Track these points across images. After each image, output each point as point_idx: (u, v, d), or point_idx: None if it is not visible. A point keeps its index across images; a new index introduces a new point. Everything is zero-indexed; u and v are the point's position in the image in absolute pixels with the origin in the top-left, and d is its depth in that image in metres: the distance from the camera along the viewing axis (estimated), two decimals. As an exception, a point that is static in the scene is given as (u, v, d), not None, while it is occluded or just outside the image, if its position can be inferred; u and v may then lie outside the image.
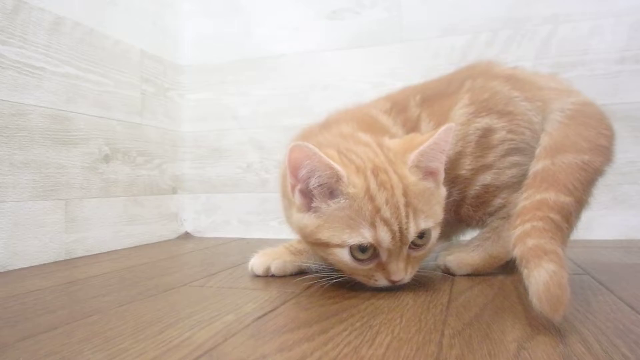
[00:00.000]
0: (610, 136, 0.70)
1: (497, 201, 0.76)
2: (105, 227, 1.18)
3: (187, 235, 1.49)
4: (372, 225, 0.61)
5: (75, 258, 1.08)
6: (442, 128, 0.64)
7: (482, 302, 0.61)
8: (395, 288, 0.67)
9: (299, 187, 0.66)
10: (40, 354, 0.46)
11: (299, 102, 1.41)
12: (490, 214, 0.77)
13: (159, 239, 1.38)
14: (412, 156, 0.65)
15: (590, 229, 1.13)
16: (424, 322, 0.53)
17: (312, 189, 0.64)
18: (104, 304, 0.65)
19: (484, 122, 0.76)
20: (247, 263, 0.83)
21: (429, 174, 0.67)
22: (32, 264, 0.98)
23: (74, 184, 1.10)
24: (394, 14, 1.33)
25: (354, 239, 0.62)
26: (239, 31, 1.48)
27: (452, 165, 0.76)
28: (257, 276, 0.80)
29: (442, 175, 0.68)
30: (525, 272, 0.53)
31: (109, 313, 0.60)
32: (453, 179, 0.77)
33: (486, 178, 0.76)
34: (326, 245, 0.65)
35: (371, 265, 0.65)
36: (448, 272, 0.77)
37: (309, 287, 0.71)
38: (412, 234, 0.63)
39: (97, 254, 1.13)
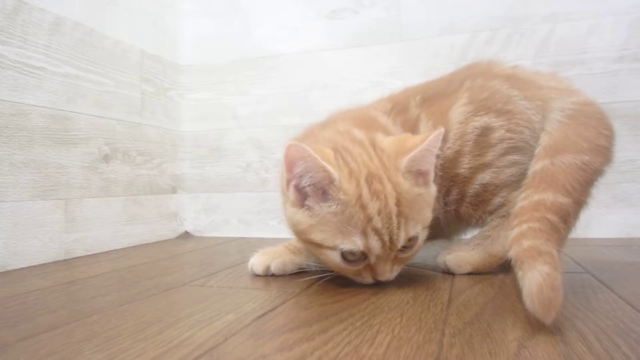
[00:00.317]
0: (610, 136, 0.70)
1: (497, 200, 0.76)
2: (105, 226, 1.18)
3: (186, 235, 1.49)
4: (364, 233, 0.63)
5: (75, 258, 1.08)
6: (433, 133, 0.65)
7: (482, 301, 0.61)
8: (382, 284, 0.69)
9: (293, 182, 0.67)
10: (40, 354, 0.46)
11: (298, 102, 1.41)
12: (490, 213, 0.77)
13: (158, 239, 1.38)
14: (404, 162, 0.66)
15: (590, 227, 1.13)
16: (424, 321, 0.53)
17: (305, 186, 0.66)
18: (104, 304, 0.65)
19: (482, 120, 0.76)
20: (247, 262, 0.83)
21: (420, 174, 0.68)
22: (32, 264, 0.98)
23: (74, 184, 1.10)
24: (393, 14, 1.33)
25: (346, 245, 0.64)
26: (238, 31, 1.48)
27: (451, 164, 0.76)
28: (257, 275, 0.80)
29: (432, 175, 0.70)
30: (519, 273, 0.53)
31: (108, 313, 0.60)
32: (452, 178, 0.77)
33: (485, 177, 0.76)
34: (319, 245, 0.67)
35: (360, 266, 0.67)
36: (448, 271, 0.77)
37: (309, 286, 0.72)
38: (401, 241, 0.65)
39: (96, 254, 1.13)
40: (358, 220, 0.63)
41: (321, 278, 0.73)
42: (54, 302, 0.67)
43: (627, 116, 1.15)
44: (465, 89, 0.80)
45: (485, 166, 0.76)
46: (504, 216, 0.75)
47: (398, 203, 0.64)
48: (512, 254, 0.56)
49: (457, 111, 0.78)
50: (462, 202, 0.78)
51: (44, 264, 1.00)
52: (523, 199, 0.64)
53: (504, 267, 0.76)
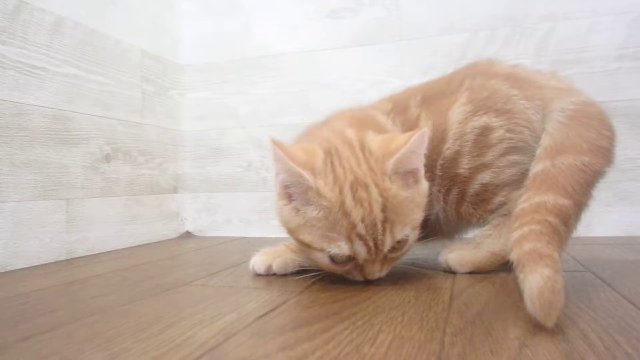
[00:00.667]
0: (611, 137, 0.69)
1: (498, 199, 0.76)
2: (107, 226, 1.18)
3: (188, 235, 1.49)
4: (349, 239, 0.64)
5: (76, 258, 1.08)
6: (416, 133, 0.65)
7: (483, 300, 0.61)
8: (373, 282, 0.70)
9: (280, 176, 0.68)
10: (42, 354, 0.46)
11: (298, 101, 1.41)
12: (491, 212, 0.77)
13: (160, 238, 1.38)
14: (390, 165, 0.66)
15: (591, 226, 1.13)
16: (425, 320, 0.53)
17: (289, 186, 0.67)
18: (105, 304, 0.65)
19: (481, 120, 0.76)
20: (248, 262, 0.83)
21: (409, 173, 0.68)
22: (33, 264, 0.99)
23: (75, 184, 1.10)
24: (393, 13, 1.33)
25: (332, 249, 0.65)
26: (238, 30, 1.48)
27: (451, 164, 0.76)
28: (259, 275, 0.80)
29: (422, 172, 0.70)
30: (520, 276, 0.53)
31: (110, 313, 0.60)
32: (452, 178, 0.77)
33: (485, 177, 0.75)
34: (308, 246, 0.68)
35: (348, 267, 0.69)
36: (449, 270, 0.77)
37: (310, 285, 0.72)
38: (387, 246, 0.66)
39: (98, 254, 1.13)
40: (342, 226, 0.64)
41: (317, 275, 0.73)
42: (55, 302, 0.67)
43: (627, 115, 1.15)
44: (465, 88, 0.79)
45: (484, 166, 0.75)
46: (505, 215, 0.75)
47: (384, 209, 0.64)
48: (513, 256, 0.56)
49: (457, 111, 0.77)
50: (462, 201, 0.78)
51: (45, 264, 1.00)
52: (524, 201, 0.64)
53: (506, 266, 0.76)
